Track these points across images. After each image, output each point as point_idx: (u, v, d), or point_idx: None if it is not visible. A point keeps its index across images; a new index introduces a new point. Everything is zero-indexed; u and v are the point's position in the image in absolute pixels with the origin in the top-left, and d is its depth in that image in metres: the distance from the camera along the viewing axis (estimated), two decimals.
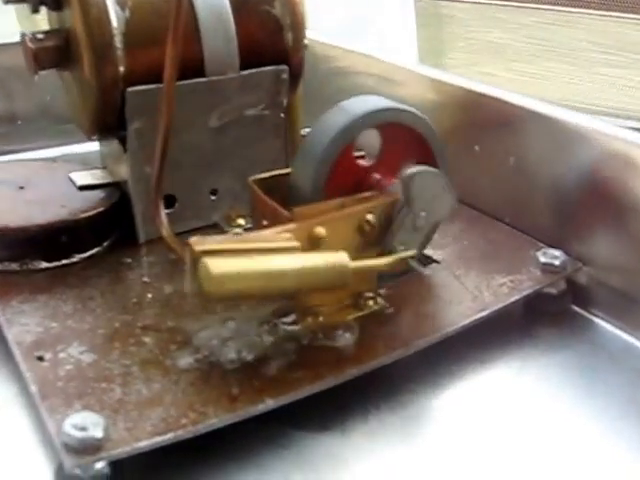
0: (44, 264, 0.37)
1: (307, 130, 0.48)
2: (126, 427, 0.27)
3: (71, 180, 0.41)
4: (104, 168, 0.42)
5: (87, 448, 0.26)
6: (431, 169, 0.33)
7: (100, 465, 0.26)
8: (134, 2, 0.37)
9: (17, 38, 0.47)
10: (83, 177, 0.41)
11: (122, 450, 0.26)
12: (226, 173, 0.41)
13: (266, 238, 0.30)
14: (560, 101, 0.45)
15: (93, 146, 0.46)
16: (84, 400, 0.28)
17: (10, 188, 0.40)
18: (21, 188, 0.40)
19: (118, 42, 0.36)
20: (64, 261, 0.37)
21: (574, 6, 1.27)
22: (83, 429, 0.26)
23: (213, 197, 0.41)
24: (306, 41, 0.41)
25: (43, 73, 0.39)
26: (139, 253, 0.39)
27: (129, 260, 0.38)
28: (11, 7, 0.39)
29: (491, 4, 1.15)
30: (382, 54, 0.48)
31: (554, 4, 1.29)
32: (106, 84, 0.37)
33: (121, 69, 0.37)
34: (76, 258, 0.38)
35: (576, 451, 0.29)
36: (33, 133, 0.56)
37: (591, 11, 1.14)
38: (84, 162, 0.46)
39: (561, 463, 0.28)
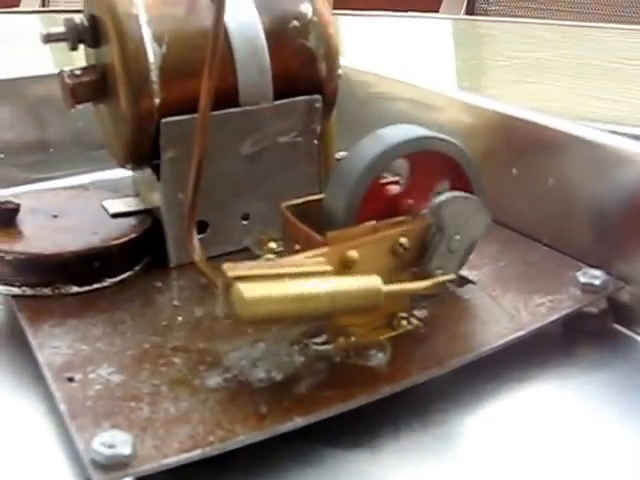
0: (75, 289, 0.37)
1: (342, 154, 0.49)
2: (153, 444, 0.27)
3: (104, 208, 0.42)
4: (136, 195, 0.43)
5: (115, 465, 0.26)
6: (460, 194, 0.34)
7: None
8: (170, 38, 0.38)
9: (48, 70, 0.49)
10: (115, 205, 0.42)
11: (149, 466, 0.26)
12: (258, 198, 0.41)
13: (298, 262, 0.30)
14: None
15: (124, 173, 0.47)
16: (112, 419, 0.29)
17: (44, 217, 0.41)
18: (55, 217, 0.41)
19: (154, 76, 0.37)
20: (95, 285, 0.38)
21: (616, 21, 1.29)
22: (111, 446, 0.27)
23: (245, 222, 0.42)
24: (340, 71, 0.42)
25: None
26: (170, 277, 0.40)
27: (160, 284, 0.39)
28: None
29: (530, 22, 1.16)
30: (416, 79, 0.49)
31: (599, 19, 1.31)
32: (141, 116, 0.38)
33: (156, 101, 0.38)
34: (107, 282, 0.38)
35: (615, 471, 0.29)
36: (65, 160, 0.57)
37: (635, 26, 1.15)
38: (115, 188, 0.47)
39: None
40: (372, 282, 0.31)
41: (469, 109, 0.45)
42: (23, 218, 0.40)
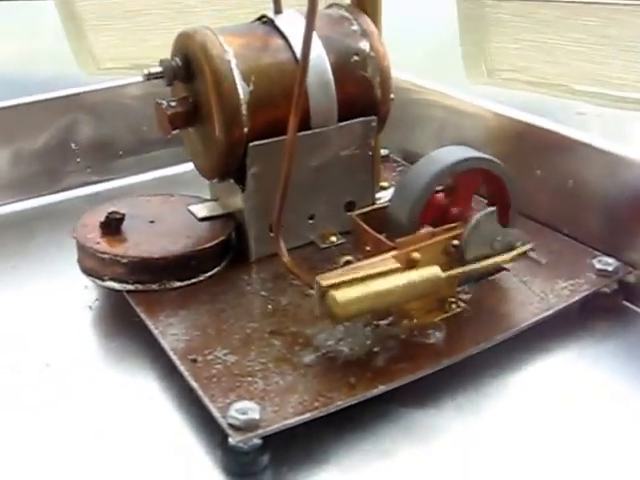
0: (177, 283, 0.46)
1: (383, 151, 0.57)
2: (273, 410, 0.36)
3: (191, 212, 0.50)
4: (215, 200, 0.52)
5: (249, 427, 0.35)
6: (482, 214, 0.42)
7: (257, 439, 0.35)
8: (255, 77, 0.46)
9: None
10: (201, 210, 0.50)
11: (274, 427, 0.35)
12: (322, 201, 0.50)
13: (374, 264, 0.39)
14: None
15: (180, 169, 0.62)
16: (236, 391, 0.38)
17: (142, 222, 0.49)
18: (151, 222, 0.49)
19: (244, 110, 0.46)
20: (193, 280, 0.47)
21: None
22: (244, 413, 0.35)
23: (311, 221, 0.51)
24: (392, 95, 0.50)
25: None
26: (252, 270, 0.48)
27: (246, 277, 0.48)
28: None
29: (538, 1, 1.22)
30: (449, 89, 0.58)
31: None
32: (233, 142, 0.46)
33: (245, 130, 0.46)
34: (202, 277, 0.47)
35: (625, 425, 0.38)
36: (132, 161, 0.66)
37: None
38: (175, 182, 0.59)
39: (618, 433, 0.37)
40: (434, 272, 0.40)
41: (497, 117, 0.54)
42: (126, 224, 0.49)
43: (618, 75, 0.88)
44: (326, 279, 0.38)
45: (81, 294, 0.49)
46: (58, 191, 0.63)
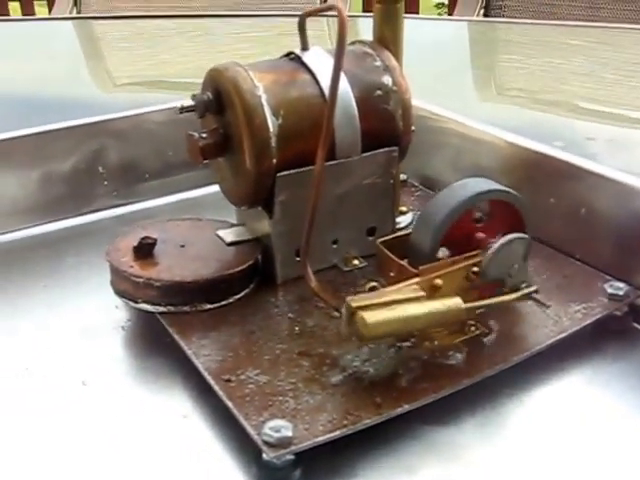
0: (208, 306, 0.49)
1: (402, 176, 0.60)
2: (304, 428, 0.39)
3: (219, 237, 0.53)
4: (243, 225, 0.55)
5: (282, 444, 0.38)
6: (516, 235, 0.45)
7: (289, 455, 0.38)
8: (285, 112, 0.49)
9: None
10: (229, 234, 0.53)
11: (306, 444, 0.38)
12: (345, 227, 0.53)
13: (399, 291, 0.42)
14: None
15: (202, 192, 0.66)
16: (269, 410, 0.40)
17: (173, 246, 0.52)
18: (182, 246, 0.52)
19: (273, 142, 0.49)
20: (223, 302, 0.49)
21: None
22: (277, 431, 0.38)
23: (334, 245, 0.53)
24: (413, 127, 0.53)
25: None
26: (278, 293, 0.51)
27: (272, 299, 0.50)
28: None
29: (546, 24, 1.26)
30: (465, 118, 0.61)
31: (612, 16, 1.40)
32: (262, 173, 0.49)
33: (274, 161, 0.49)
34: (231, 299, 0.50)
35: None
36: (157, 184, 0.69)
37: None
38: (198, 205, 0.63)
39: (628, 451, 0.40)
40: (455, 302, 0.42)
41: (512, 146, 0.57)
42: (157, 248, 0.51)
43: (625, 96, 0.91)
44: (356, 301, 0.41)
45: (113, 314, 0.52)
46: (86, 213, 0.66)
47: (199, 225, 0.55)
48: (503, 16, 1.45)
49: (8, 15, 2.11)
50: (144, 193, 0.68)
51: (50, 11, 1.90)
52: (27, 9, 2.12)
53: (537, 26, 1.20)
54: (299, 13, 0.52)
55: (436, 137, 0.63)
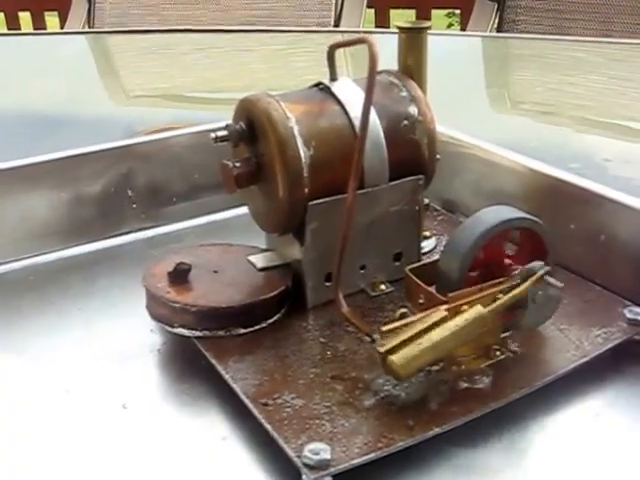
0: (242, 330, 0.52)
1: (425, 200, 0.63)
2: (341, 450, 0.42)
3: (250, 262, 0.56)
4: (273, 250, 0.57)
5: (321, 466, 0.41)
6: (550, 281, 0.47)
7: (328, 478, 0.40)
8: (317, 143, 0.52)
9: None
10: (260, 260, 0.56)
11: (343, 466, 0.41)
12: (373, 253, 0.56)
13: (427, 319, 0.45)
14: None
15: (230, 214, 0.69)
16: (307, 433, 0.43)
17: (206, 272, 0.55)
18: (215, 272, 0.55)
19: (305, 172, 0.52)
20: (256, 327, 0.52)
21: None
22: (316, 453, 0.41)
23: (362, 271, 0.56)
24: (438, 156, 0.56)
25: None
26: (309, 317, 0.54)
27: (304, 324, 0.53)
28: None
29: (560, 39, 1.28)
30: (485, 143, 0.63)
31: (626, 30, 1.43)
32: (295, 201, 0.52)
33: (306, 190, 0.52)
34: (265, 324, 0.52)
35: None
36: (185, 207, 0.72)
37: None
38: (225, 227, 0.66)
39: None
40: (477, 310, 0.45)
41: (532, 172, 0.60)
42: (191, 273, 0.54)
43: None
44: (383, 346, 0.44)
45: (148, 337, 0.54)
46: (116, 236, 0.69)
47: (230, 250, 0.58)
48: (516, 30, 1.47)
49: (19, 29, 2.14)
50: (172, 216, 0.71)
51: (62, 22, 1.94)
52: (37, 22, 2.15)
53: (550, 42, 1.22)
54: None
55: (458, 162, 0.66)
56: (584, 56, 1.11)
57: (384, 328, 0.44)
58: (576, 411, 0.47)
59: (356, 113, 0.51)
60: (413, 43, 0.57)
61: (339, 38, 1.19)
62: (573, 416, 0.47)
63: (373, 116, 0.53)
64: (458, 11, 2.29)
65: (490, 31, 1.47)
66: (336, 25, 1.54)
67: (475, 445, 0.44)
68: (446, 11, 3.69)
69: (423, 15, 2.00)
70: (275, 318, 0.53)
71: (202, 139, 0.68)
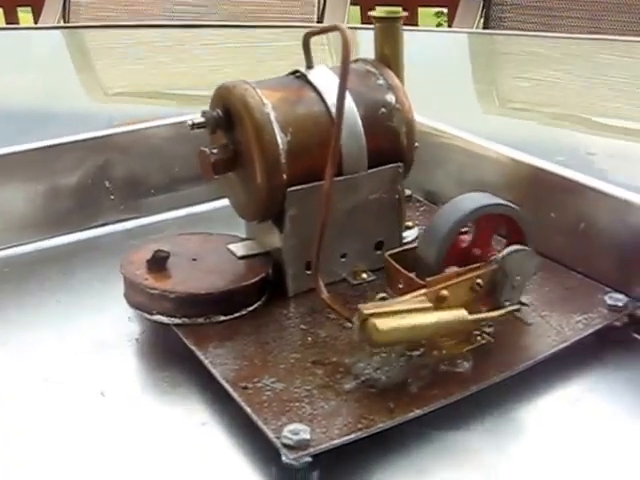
0: (222, 317, 0.53)
1: (407, 192, 0.64)
2: (321, 431, 0.43)
3: (230, 251, 0.57)
4: (253, 239, 0.59)
5: (301, 446, 0.42)
6: (518, 247, 0.49)
7: (307, 457, 0.42)
8: (294, 129, 0.53)
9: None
10: (240, 248, 0.57)
11: (323, 446, 0.42)
12: (353, 241, 0.57)
13: (408, 301, 0.46)
14: None
15: (207, 207, 0.70)
16: (286, 415, 0.44)
17: (185, 259, 0.56)
18: (194, 260, 0.56)
19: (283, 158, 0.53)
20: (236, 314, 0.53)
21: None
22: (296, 434, 0.42)
23: (343, 259, 0.57)
24: (416, 144, 0.58)
25: None
26: (290, 305, 0.55)
27: (285, 311, 0.54)
28: None
29: (546, 36, 1.30)
30: (468, 134, 0.65)
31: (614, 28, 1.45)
32: (273, 188, 0.54)
33: (284, 176, 0.53)
34: (245, 312, 0.54)
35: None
36: (163, 199, 0.74)
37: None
38: (204, 220, 0.67)
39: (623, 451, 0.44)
40: (461, 314, 0.47)
41: (514, 162, 0.61)
42: (169, 262, 0.55)
43: (626, 109, 0.95)
44: (368, 309, 0.45)
45: (126, 327, 0.55)
46: (94, 227, 0.70)
47: (210, 239, 0.59)
48: (503, 27, 1.50)
49: None
50: (151, 207, 0.72)
51: (36, 18, 1.94)
52: (10, 18, 2.15)
53: (537, 38, 1.24)
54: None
55: (439, 153, 0.67)
56: (570, 52, 1.12)
57: (363, 306, 0.46)
58: (557, 396, 0.48)
59: (333, 100, 0.52)
60: (389, 32, 0.58)
61: (326, 37, 1.20)
62: (553, 401, 0.48)
63: (350, 103, 0.55)
64: (446, 10, 2.31)
65: (476, 28, 1.49)
66: (319, 21, 1.56)
67: (456, 428, 0.45)
68: (435, 10, 3.72)
69: (409, 13, 2.02)
70: (255, 306, 0.54)
71: (181, 130, 0.70)
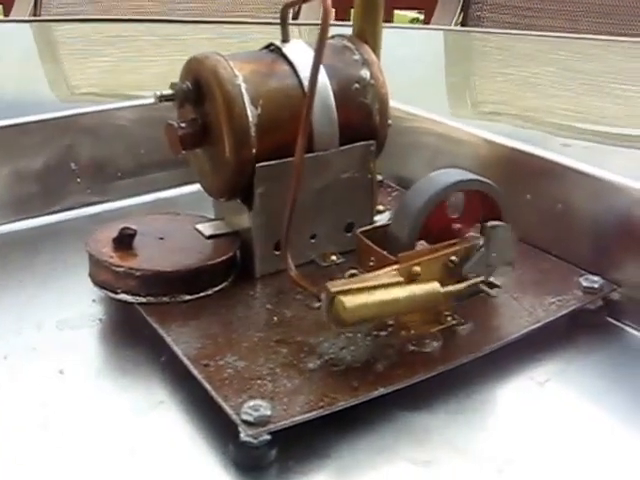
0: (188, 297, 0.53)
1: (378, 177, 0.64)
2: (282, 409, 0.43)
3: (198, 231, 0.57)
4: (220, 219, 0.59)
5: (260, 422, 0.42)
6: (505, 225, 0.49)
7: (266, 434, 0.41)
8: (265, 102, 0.54)
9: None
10: (208, 228, 0.57)
11: (283, 423, 0.42)
12: (323, 221, 0.57)
13: (379, 277, 0.46)
14: None
15: (176, 192, 0.70)
16: (247, 392, 0.44)
17: (152, 239, 0.56)
18: (161, 239, 0.56)
19: (252, 132, 0.53)
20: (202, 294, 0.53)
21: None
22: (256, 410, 0.42)
23: (312, 240, 0.57)
24: (390, 121, 0.58)
25: None
26: (257, 286, 0.55)
27: (251, 292, 0.54)
28: None
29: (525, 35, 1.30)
30: (443, 117, 0.65)
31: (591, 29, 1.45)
32: (241, 162, 0.54)
33: (253, 151, 0.53)
34: (211, 291, 0.54)
35: (606, 426, 0.45)
36: (130, 183, 0.73)
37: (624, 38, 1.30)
38: (173, 205, 0.66)
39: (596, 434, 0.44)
40: (433, 287, 0.47)
41: (489, 144, 0.61)
42: (136, 240, 0.55)
43: (597, 110, 0.96)
44: (335, 286, 0.45)
45: (90, 308, 0.55)
46: (59, 211, 0.70)
47: (177, 219, 0.59)
48: (481, 27, 1.50)
49: None
50: (119, 191, 0.72)
51: (6, 13, 1.94)
52: None
53: (514, 37, 1.25)
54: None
55: (412, 137, 0.68)
56: (546, 51, 1.13)
57: (330, 283, 0.45)
58: (525, 377, 0.48)
59: (306, 74, 0.52)
60: (368, 7, 0.59)
61: (295, 31, 1.20)
62: (521, 383, 0.48)
63: (323, 77, 0.55)
64: (422, 17, 2.32)
65: (455, 26, 1.49)
66: (295, 18, 1.55)
67: (420, 408, 0.45)
68: (411, 17, 3.73)
69: (385, 15, 2.01)
70: (222, 286, 0.54)
71: (150, 112, 0.70)
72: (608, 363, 0.50)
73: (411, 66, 1.08)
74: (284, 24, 0.56)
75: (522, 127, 0.90)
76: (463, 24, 1.53)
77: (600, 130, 0.89)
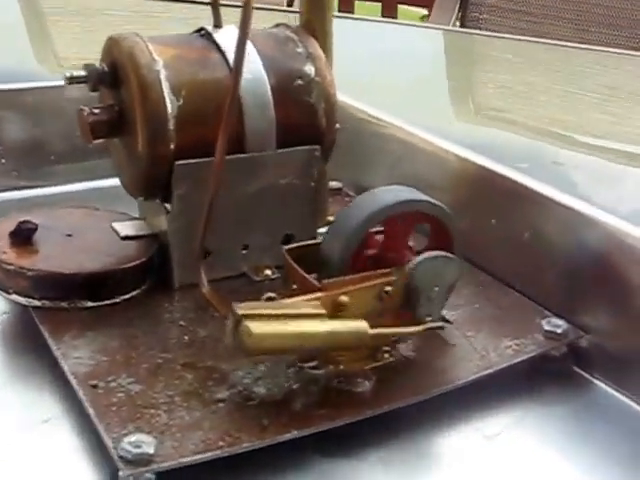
0: (90, 303, 0.47)
1: (333, 184, 0.58)
2: (172, 446, 0.37)
3: (114, 230, 0.51)
4: (143, 219, 0.52)
5: (140, 461, 0.35)
6: (429, 254, 0.43)
7: (149, 475, 0.35)
8: (188, 92, 0.47)
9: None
10: (125, 228, 0.51)
11: (169, 464, 0.36)
12: (258, 231, 0.51)
13: (297, 304, 0.40)
14: None
15: (114, 182, 0.58)
16: (135, 423, 0.38)
17: (58, 235, 0.50)
18: (69, 235, 0.50)
19: (171, 125, 0.47)
20: (108, 302, 0.47)
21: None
22: (137, 446, 0.36)
23: (244, 251, 0.51)
24: (338, 125, 0.51)
25: None
26: (174, 298, 0.49)
27: (166, 304, 0.48)
28: None
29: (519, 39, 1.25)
30: (406, 123, 0.59)
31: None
32: (157, 159, 0.47)
33: (172, 146, 0.47)
34: (118, 299, 0.47)
35: None
36: (63, 168, 0.67)
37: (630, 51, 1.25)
38: (109, 195, 0.58)
39: None
40: (360, 327, 0.40)
41: (456, 159, 0.55)
42: (39, 235, 0.49)
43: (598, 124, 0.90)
44: (242, 308, 0.38)
45: None
46: None
47: (95, 215, 0.53)
48: (479, 28, 1.45)
49: None
50: (52, 177, 0.66)
51: None
52: None
53: (512, 41, 1.20)
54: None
55: (376, 143, 0.62)
56: (547, 58, 1.08)
57: (237, 305, 0.39)
58: (471, 429, 0.42)
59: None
60: None
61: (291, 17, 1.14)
62: (467, 434, 0.42)
63: (259, 69, 0.49)
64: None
65: (453, 26, 1.44)
66: (289, 5, 1.50)
67: (343, 456, 0.39)
68: (422, 14, 3.68)
69: (389, 10, 1.97)
70: (132, 294, 0.48)
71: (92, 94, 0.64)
72: (570, 418, 0.44)
73: (407, 68, 1.03)
74: (216, 7, 0.50)
75: (517, 140, 0.84)
76: (462, 24, 1.47)
77: (596, 148, 0.83)
